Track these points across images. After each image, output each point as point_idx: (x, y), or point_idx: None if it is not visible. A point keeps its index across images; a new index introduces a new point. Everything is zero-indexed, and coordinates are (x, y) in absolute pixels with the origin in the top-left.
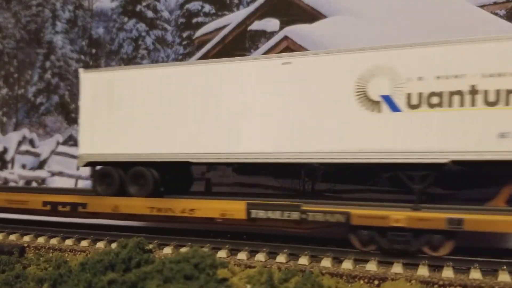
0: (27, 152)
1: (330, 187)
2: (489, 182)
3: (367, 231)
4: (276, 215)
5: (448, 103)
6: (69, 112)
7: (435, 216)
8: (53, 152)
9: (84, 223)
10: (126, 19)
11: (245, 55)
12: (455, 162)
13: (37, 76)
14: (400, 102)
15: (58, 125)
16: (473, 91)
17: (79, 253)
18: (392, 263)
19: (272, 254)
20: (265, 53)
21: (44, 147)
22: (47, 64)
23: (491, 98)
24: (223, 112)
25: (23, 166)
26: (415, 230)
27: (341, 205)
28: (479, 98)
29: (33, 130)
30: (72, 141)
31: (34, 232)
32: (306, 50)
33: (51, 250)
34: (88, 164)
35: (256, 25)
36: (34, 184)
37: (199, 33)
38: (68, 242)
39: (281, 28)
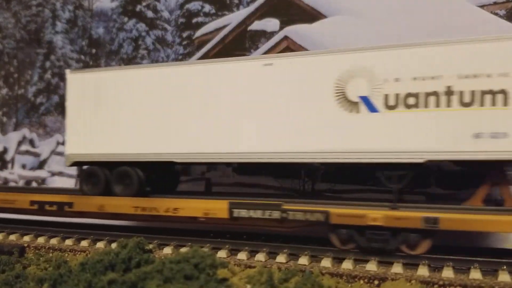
0: (27, 152)
1: (330, 187)
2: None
3: (346, 229)
4: (257, 214)
5: (424, 103)
6: None
7: (412, 215)
8: (53, 152)
9: (84, 223)
10: (126, 19)
11: (245, 55)
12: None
13: (37, 76)
14: (378, 103)
15: (58, 125)
16: (449, 92)
17: (79, 253)
18: (392, 263)
19: (272, 254)
20: (265, 53)
21: (44, 147)
22: (47, 64)
23: (466, 99)
24: (206, 112)
25: (23, 166)
26: (393, 229)
27: (321, 204)
28: (455, 99)
29: (33, 130)
30: None
31: (34, 232)
32: (306, 50)
33: (51, 250)
34: (74, 163)
35: (256, 25)
36: (34, 184)
37: (199, 33)
38: (68, 242)
39: (281, 28)
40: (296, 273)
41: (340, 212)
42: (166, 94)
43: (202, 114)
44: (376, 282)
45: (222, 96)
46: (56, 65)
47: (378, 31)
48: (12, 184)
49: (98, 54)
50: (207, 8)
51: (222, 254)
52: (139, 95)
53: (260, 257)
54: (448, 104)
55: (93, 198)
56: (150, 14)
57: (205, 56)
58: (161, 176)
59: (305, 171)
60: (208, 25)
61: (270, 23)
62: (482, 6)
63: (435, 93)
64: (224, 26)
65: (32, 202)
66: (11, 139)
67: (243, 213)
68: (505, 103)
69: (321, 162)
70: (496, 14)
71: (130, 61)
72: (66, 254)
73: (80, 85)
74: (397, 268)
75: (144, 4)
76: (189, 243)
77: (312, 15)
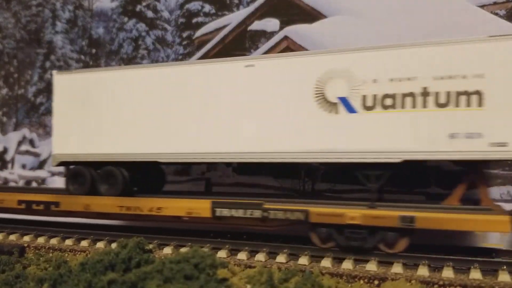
0: (27, 152)
1: (330, 187)
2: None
3: (325, 228)
4: (239, 213)
5: (401, 104)
6: None
7: (389, 214)
8: None
9: (84, 223)
10: (126, 19)
11: (245, 55)
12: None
13: (37, 76)
14: (356, 103)
15: None
16: (425, 93)
17: (79, 253)
18: (392, 263)
19: (272, 254)
20: (265, 53)
21: (44, 147)
22: (47, 64)
23: (442, 100)
24: (189, 113)
25: (23, 166)
26: (371, 227)
27: (301, 203)
28: (430, 100)
29: (33, 130)
30: None
31: (34, 232)
32: (306, 50)
33: (51, 250)
34: (61, 163)
35: (256, 25)
36: (34, 184)
37: (199, 33)
38: (68, 242)
39: (281, 28)
40: (296, 273)
41: (319, 211)
42: (148, 95)
43: (183, 115)
44: (376, 282)
45: (204, 97)
46: (56, 65)
47: (378, 31)
48: (12, 184)
49: (98, 54)
50: (207, 8)
51: (222, 254)
52: (123, 96)
53: (260, 257)
54: (424, 105)
55: (79, 197)
56: (150, 14)
57: (205, 56)
58: (146, 176)
59: (306, 171)
60: (208, 25)
61: (270, 23)
62: (482, 6)
63: (411, 94)
64: (224, 26)
65: (20, 202)
66: (11, 139)
67: (225, 212)
68: (480, 104)
69: (301, 162)
70: (496, 14)
71: (130, 61)
72: (66, 254)
73: (66, 86)
74: (397, 268)
75: (144, 4)
76: (189, 243)
77: (312, 15)
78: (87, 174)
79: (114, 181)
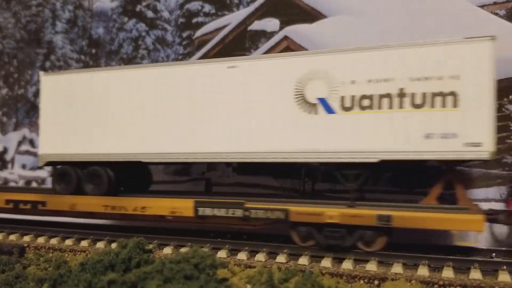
0: (27, 152)
1: (330, 187)
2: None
3: (305, 227)
4: (221, 212)
5: (378, 105)
6: None
7: (366, 213)
8: None
9: (84, 223)
10: (126, 19)
11: (245, 55)
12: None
13: (37, 76)
14: (335, 104)
15: None
16: (401, 94)
17: (79, 253)
18: (392, 263)
19: (272, 254)
20: (265, 53)
21: None
22: (47, 64)
23: (418, 100)
24: (171, 114)
25: (23, 166)
26: (349, 226)
27: (281, 202)
28: (407, 100)
29: (33, 130)
30: None
31: (34, 232)
32: (306, 50)
33: (51, 250)
34: (48, 163)
35: (256, 25)
36: (34, 184)
37: (199, 33)
38: (68, 242)
39: (281, 28)
40: (296, 273)
41: (299, 210)
42: (131, 96)
43: (165, 116)
44: (376, 282)
45: (186, 99)
46: (56, 65)
47: (378, 31)
48: (12, 184)
49: (98, 54)
50: (207, 8)
51: (222, 254)
52: (108, 97)
53: (260, 257)
54: (401, 106)
55: (65, 197)
56: (150, 14)
57: (205, 56)
58: (132, 175)
59: (305, 171)
60: (208, 25)
61: (270, 23)
62: (482, 6)
63: (388, 95)
64: (224, 26)
65: (7, 201)
66: (11, 139)
67: (208, 211)
68: (455, 105)
69: (282, 162)
70: (496, 14)
71: (130, 61)
72: (66, 254)
73: (53, 87)
74: (397, 268)
75: (144, 4)
76: (189, 243)
77: (312, 15)
78: (73, 174)
79: (99, 180)
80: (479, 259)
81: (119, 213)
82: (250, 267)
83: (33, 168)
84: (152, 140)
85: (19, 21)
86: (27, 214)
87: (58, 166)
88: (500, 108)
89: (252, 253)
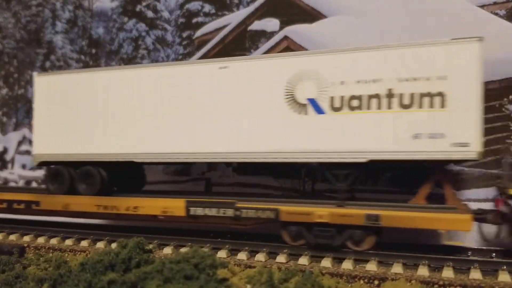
0: (27, 152)
1: (330, 187)
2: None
3: (295, 226)
4: (212, 212)
5: (367, 105)
6: None
7: (355, 212)
8: None
9: (84, 223)
10: (126, 19)
11: (245, 55)
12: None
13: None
14: (324, 105)
15: None
16: (390, 95)
17: (79, 253)
18: (392, 263)
19: (272, 254)
20: (265, 53)
21: None
22: (47, 64)
23: (406, 101)
24: (163, 114)
25: (23, 166)
26: (338, 225)
27: (272, 202)
28: (395, 101)
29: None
30: None
31: (34, 232)
32: (306, 50)
33: (51, 250)
34: (41, 163)
35: (256, 25)
36: (34, 184)
37: (199, 33)
38: (68, 242)
39: (281, 28)
40: (296, 273)
41: (289, 209)
42: (122, 96)
43: (157, 116)
44: (376, 282)
45: (177, 99)
46: (56, 65)
47: (378, 31)
48: (12, 184)
49: (98, 54)
50: (207, 8)
51: (222, 254)
52: (101, 97)
53: (260, 257)
54: (389, 106)
55: (58, 196)
56: (150, 14)
57: (205, 56)
58: (125, 175)
59: (306, 171)
60: (208, 25)
61: (270, 23)
62: (482, 6)
63: (377, 96)
64: (224, 26)
65: (1, 201)
66: (11, 139)
67: (199, 211)
68: (443, 105)
69: (271, 161)
70: (496, 14)
71: (130, 61)
72: (66, 254)
73: (47, 88)
74: (397, 268)
75: (144, 4)
76: (189, 243)
77: (312, 15)
78: (66, 174)
79: (92, 180)
80: (479, 259)
81: (111, 212)
82: (250, 267)
83: (33, 168)
84: (144, 140)
85: (19, 21)
86: (21, 214)
87: (52, 166)
88: (500, 108)
89: (252, 253)
